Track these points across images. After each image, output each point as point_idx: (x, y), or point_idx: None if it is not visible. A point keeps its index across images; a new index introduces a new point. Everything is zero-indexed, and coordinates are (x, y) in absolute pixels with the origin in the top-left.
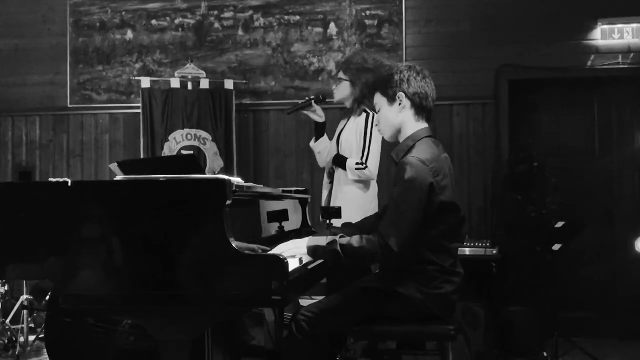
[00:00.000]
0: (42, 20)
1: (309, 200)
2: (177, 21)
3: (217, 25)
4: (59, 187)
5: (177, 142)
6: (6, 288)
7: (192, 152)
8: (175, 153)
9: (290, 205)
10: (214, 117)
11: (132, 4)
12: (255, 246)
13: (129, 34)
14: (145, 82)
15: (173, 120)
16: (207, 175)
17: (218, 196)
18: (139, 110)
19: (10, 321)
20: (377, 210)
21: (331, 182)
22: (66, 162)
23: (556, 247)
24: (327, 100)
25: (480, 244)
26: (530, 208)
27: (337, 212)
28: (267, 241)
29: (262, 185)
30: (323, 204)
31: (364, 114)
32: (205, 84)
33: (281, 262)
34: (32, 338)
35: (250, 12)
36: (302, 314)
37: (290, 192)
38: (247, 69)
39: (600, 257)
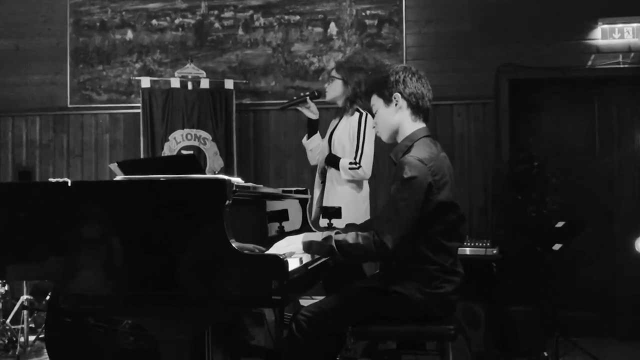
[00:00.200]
0: (42, 20)
1: (309, 200)
2: (177, 21)
3: (217, 25)
4: (59, 187)
5: (177, 141)
6: (6, 288)
7: (192, 152)
8: (175, 153)
9: (290, 205)
10: (214, 116)
11: (132, 4)
12: (251, 245)
13: (129, 34)
14: (145, 82)
15: (173, 120)
16: (207, 175)
17: (218, 196)
18: (139, 110)
19: (11, 321)
20: (369, 210)
21: (323, 182)
22: (66, 162)
23: (556, 247)
24: (320, 98)
25: (481, 244)
26: (530, 208)
27: (337, 212)
28: (267, 241)
29: (262, 185)
30: (315, 204)
31: (357, 113)
32: (205, 83)
33: (281, 262)
34: (32, 338)
35: (250, 12)
36: (302, 314)
37: (290, 192)
38: (247, 69)
39: (600, 257)
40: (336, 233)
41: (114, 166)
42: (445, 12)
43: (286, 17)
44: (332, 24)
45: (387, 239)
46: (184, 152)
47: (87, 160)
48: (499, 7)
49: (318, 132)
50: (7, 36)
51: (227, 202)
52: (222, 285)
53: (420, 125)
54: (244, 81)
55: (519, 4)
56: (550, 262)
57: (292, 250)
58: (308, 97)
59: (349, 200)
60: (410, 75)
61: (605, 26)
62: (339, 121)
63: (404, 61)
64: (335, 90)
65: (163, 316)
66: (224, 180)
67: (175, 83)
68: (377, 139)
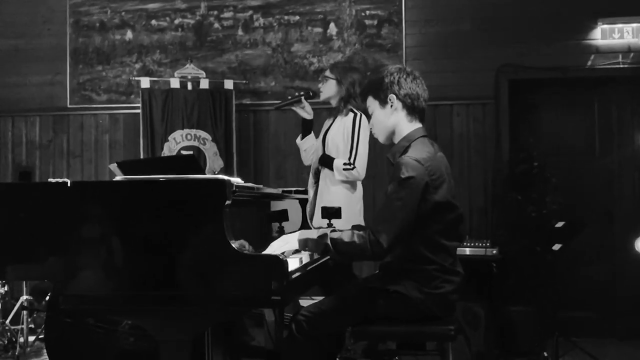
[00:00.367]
0: (42, 21)
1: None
2: (176, 21)
3: (216, 25)
4: (59, 188)
5: (177, 142)
6: (6, 288)
7: (191, 152)
8: (174, 153)
9: (290, 206)
10: (214, 117)
11: (131, 4)
12: (242, 241)
13: (129, 34)
14: (145, 82)
15: (173, 120)
16: (207, 176)
17: (218, 196)
18: (139, 111)
19: (10, 322)
20: (362, 211)
21: (317, 182)
22: (66, 162)
23: (556, 247)
24: (315, 98)
25: (481, 244)
26: (530, 208)
27: (336, 212)
28: (270, 241)
29: (262, 186)
30: (309, 204)
31: (351, 114)
32: (205, 84)
33: (281, 262)
34: (32, 338)
35: (250, 12)
36: (302, 314)
37: (290, 192)
38: (247, 69)
39: (600, 257)
40: (332, 231)
41: (113, 166)
42: (445, 12)
43: (286, 17)
44: (332, 24)
45: (382, 238)
46: (183, 152)
47: (87, 160)
48: (498, 8)
49: (312, 132)
50: (7, 37)
51: (227, 202)
52: (221, 286)
53: (417, 125)
54: (244, 81)
55: (519, 4)
56: (550, 262)
57: (289, 249)
58: (303, 97)
59: (343, 200)
60: (405, 76)
61: (605, 26)
62: (333, 121)
63: (404, 61)
64: (329, 90)
65: (163, 316)
66: (223, 180)
67: (174, 83)
68: (372, 140)
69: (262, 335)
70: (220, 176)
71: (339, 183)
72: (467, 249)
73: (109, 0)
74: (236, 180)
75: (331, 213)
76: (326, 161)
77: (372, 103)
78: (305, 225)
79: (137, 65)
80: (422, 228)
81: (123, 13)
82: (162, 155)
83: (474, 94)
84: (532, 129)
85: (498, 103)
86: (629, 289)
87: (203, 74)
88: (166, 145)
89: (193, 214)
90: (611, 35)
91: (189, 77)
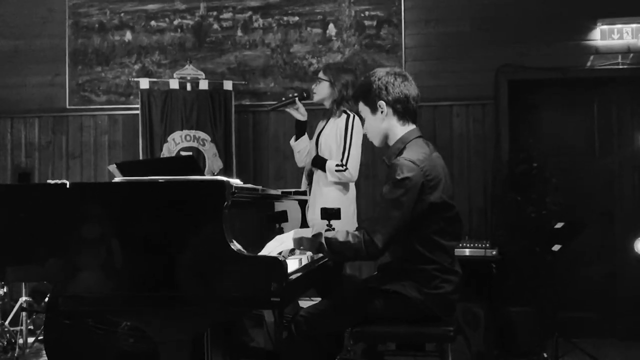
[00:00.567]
0: (41, 22)
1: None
2: (175, 22)
3: (216, 26)
4: (58, 189)
5: (176, 143)
6: (5, 290)
7: (191, 153)
8: (174, 154)
9: (289, 207)
10: (213, 118)
11: (130, 5)
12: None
13: (128, 35)
14: (144, 83)
15: (172, 121)
16: (206, 177)
17: (217, 197)
18: (138, 112)
19: (9, 323)
20: (356, 213)
21: (310, 183)
22: (65, 163)
23: (556, 247)
24: (309, 99)
25: (480, 245)
26: (530, 208)
27: (336, 213)
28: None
29: (260, 187)
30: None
31: (344, 115)
32: (204, 84)
33: (280, 263)
34: (31, 340)
35: (249, 13)
36: (301, 315)
37: (290, 193)
38: (246, 70)
39: (600, 258)
40: (326, 230)
41: (112, 168)
42: (445, 13)
43: (285, 18)
44: (331, 25)
45: (377, 238)
46: (183, 153)
47: (86, 161)
48: (498, 8)
49: (306, 133)
50: (6, 37)
51: (226, 203)
52: (221, 286)
53: (411, 127)
54: (243, 82)
55: (519, 4)
56: (550, 262)
57: (285, 249)
58: (297, 98)
59: (336, 202)
60: (392, 80)
61: (605, 27)
62: (326, 123)
63: (403, 62)
64: (322, 91)
65: (162, 317)
66: (222, 181)
67: (174, 84)
68: (365, 141)
69: (262, 336)
70: (220, 177)
71: (331, 184)
72: (467, 250)
73: (108, 1)
74: (235, 181)
75: (331, 214)
76: (319, 163)
77: (363, 109)
78: (304, 226)
79: (137, 66)
80: (419, 228)
81: (122, 14)
82: (162, 156)
83: (473, 95)
84: (532, 130)
85: (498, 103)
86: (629, 289)
87: (202, 74)
88: (165, 146)
89: (192, 215)
90: (610, 35)
91: (188, 78)
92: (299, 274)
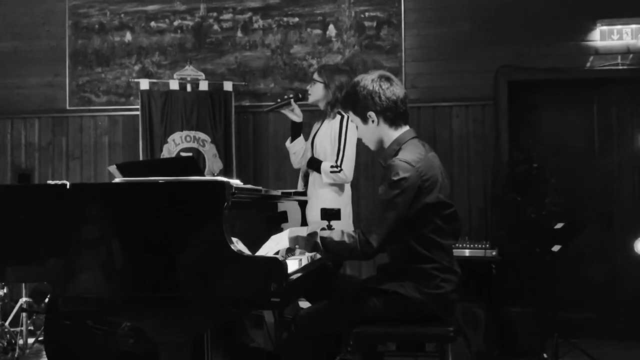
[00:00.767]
0: (41, 22)
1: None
2: (175, 23)
3: (216, 26)
4: (58, 190)
5: (176, 143)
6: (5, 290)
7: (191, 154)
8: (174, 155)
9: (289, 207)
10: (213, 118)
11: (130, 6)
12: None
13: (128, 36)
14: (144, 84)
15: (172, 122)
16: (206, 177)
17: (217, 198)
18: (138, 112)
19: (9, 324)
20: (351, 214)
21: (306, 185)
22: (65, 164)
23: (556, 248)
24: (304, 100)
25: (480, 245)
26: (529, 209)
27: (336, 214)
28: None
29: (261, 187)
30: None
31: (339, 117)
32: (204, 85)
33: (280, 263)
34: (31, 340)
35: (249, 14)
36: (301, 315)
37: (290, 194)
38: (246, 71)
39: (600, 258)
40: (322, 229)
41: (112, 168)
42: (444, 14)
43: (285, 19)
44: (331, 26)
45: (372, 238)
46: (183, 154)
47: (86, 162)
48: (497, 9)
49: (302, 135)
50: (6, 38)
51: (226, 204)
52: (221, 287)
53: (404, 129)
54: (243, 83)
55: (519, 4)
56: (550, 263)
57: (281, 248)
58: (292, 99)
59: (331, 203)
60: (378, 88)
61: (604, 27)
62: (321, 124)
63: (403, 62)
64: (316, 93)
65: (162, 317)
66: (222, 182)
67: (174, 85)
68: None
69: (262, 336)
70: (220, 178)
71: (326, 186)
72: (467, 250)
73: (108, 2)
74: (235, 182)
75: (331, 214)
76: (314, 164)
77: (354, 118)
78: (304, 226)
79: (137, 67)
80: (416, 227)
81: (122, 15)
82: (162, 157)
83: (473, 95)
84: (532, 130)
85: (497, 104)
86: (628, 289)
87: (202, 75)
88: (165, 147)
89: (192, 216)
90: (610, 36)
91: (188, 78)
92: (299, 275)
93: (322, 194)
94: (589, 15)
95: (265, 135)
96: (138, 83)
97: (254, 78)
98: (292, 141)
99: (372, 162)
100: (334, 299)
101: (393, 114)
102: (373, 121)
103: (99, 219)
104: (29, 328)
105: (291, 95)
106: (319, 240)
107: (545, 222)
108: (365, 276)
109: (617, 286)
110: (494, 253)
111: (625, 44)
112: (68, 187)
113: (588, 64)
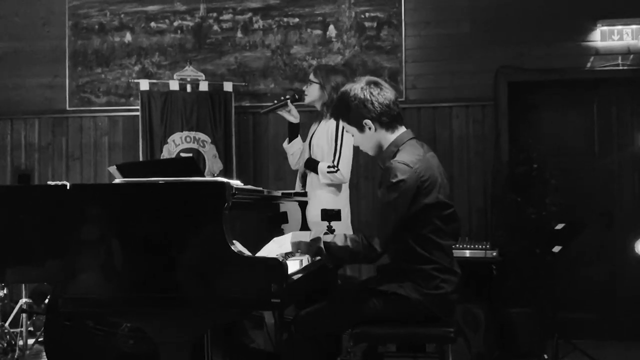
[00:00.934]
0: (41, 23)
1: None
2: (175, 23)
3: (216, 27)
4: (58, 190)
5: (176, 144)
6: (5, 291)
7: (191, 155)
8: (174, 155)
9: (290, 208)
10: (213, 119)
11: (130, 6)
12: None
13: (128, 36)
14: (144, 85)
15: (172, 123)
16: (206, 178)
17: (217, 199)
18: (138, 113)
19: (9, 324)
20: (349, 214)
21: (304, 186)
22: (65, 164)
23: (556, 249)
24: (300, 101)
25: (480, 246)
26: (530, 209)
27: (336, 215)
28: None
29: (261, 188)
30: None
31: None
32: (204, 86)
33: (280, 264)
34: (31, 341)
35: (249, 14)
36: (301, 316)
37: (290, 194)
38: (246, 71)
39: (600, 258)
40: (325, 234)
41: (112, 169)
42: (444, 14)
43: (285, 19)
44: (331, 26)
45: (375, 243)
46: (183, 154)
47: (86, 162)
48: (498, 9)
49: (299, 136)
50: (6, 39)
51: (227, 204)
52: (221, 287)
53: (400, 130)
54: (243, 83)
55: (519, 5)
56: (550, 263)
57: (282, 252)
58: (289, 100)
59: (328, 204)
60: (369, 95)
61: (605, 28)
62: (318, 125)
63: (403, 63)
64: (312, 94)
65: (163, 318)
66: (223, 182)
67: (174, 85)
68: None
69: (262, 337)
70: (220, 178)
71: (324, 186)
72: (467, 251)
73: (108, 3)
74: (236, 182)
75: (331, 215)
76: (311, 165)
77: (349, 128)
78: (305, 227)
79: (137, 68)
80: (415, 228)
81: (122, 15)
82: (162, 157)
83: (473, 96)
84: (532, 131)
85: (497, 104)
86: (629, 289)
87: (202, 76)
88: (165, 147)
89: (193, 217)
90: (610, 36)
91: (188, 79)
92: (299, 275)
93: (320, 194)
94: (589, 16)
95: (265, 136)
96: (138, 83)
97: (254, 78)
98: (289, 142)
99: (371, 163)
100: (334, 299)
101: (388, 117)
102: (370, 128)
103: (99, 220)
104: (29, 329)
105: (288, 97)
106: (322, 245)
107: (545, 222)
108: (365, 277)
109: (617, 286)
110: (494, 254)
111: (626, 45)
112: (68, 187)
113: (588, 65)
